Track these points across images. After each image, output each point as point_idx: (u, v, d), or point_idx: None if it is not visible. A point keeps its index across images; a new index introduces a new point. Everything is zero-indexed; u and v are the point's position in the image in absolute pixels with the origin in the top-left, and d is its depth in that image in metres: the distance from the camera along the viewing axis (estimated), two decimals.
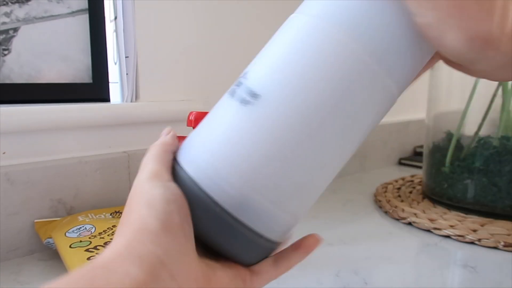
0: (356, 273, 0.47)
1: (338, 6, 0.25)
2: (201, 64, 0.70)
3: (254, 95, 0.25)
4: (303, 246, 0.29)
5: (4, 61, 0.54)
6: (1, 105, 0.51)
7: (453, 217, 0.62)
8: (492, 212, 0.63)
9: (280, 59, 0.25)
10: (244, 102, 0.25)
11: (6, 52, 0.54)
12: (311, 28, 0.25)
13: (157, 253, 0.21)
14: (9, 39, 0.55)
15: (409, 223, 0.62)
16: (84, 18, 0.60)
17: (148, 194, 0.24)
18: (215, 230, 0.25)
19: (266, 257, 0.28)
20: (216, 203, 0.24)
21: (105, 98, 0.63)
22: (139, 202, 0.24)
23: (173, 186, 0.25)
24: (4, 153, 0.51)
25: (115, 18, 0.62)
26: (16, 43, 0.55)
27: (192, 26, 0.68)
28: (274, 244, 0.27)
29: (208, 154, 0.25)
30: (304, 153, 0.25)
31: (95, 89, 0.62)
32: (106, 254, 0.21)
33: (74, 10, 0.59)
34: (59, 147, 0.55)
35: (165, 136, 0.29)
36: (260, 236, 0.25)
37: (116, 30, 0.62)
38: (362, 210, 0.70)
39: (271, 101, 0.25)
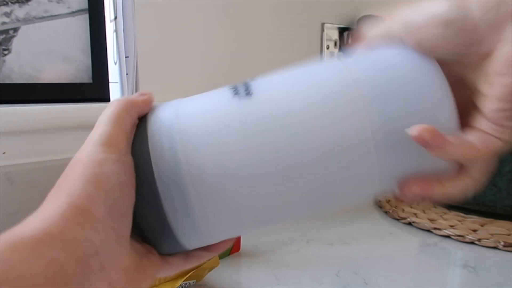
0: (356, 273, 0.47)
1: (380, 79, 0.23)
2: (201, 64, 0.70)
3: (248, 92, 0.24)
4: (214, 248, 0.27)
5: (4, 61, 0.54)
6: (1, 105, 0.51)
7: (453, 217, 0.62)
8: (492, 212, 0.63)
9: (294, 85, 0.24)
10: (236, 93, 0.25)
11: (6, 52, 0.54)
12: (343, 87, 0.23)
13: (94, 241, 0.19)
14: (9, 39, 0.54)
15: (409, 223, 0.62)
16: (84, 18, 0.60)
17: (98, 167, 0.21)
18: (142, 207, 0.23)
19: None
20: (158, 197, 0.23)
21: (105, 98, 0.63)
22: (85, 172, 0.21)
23: (128, 162, 0.22)
24: (4, 153, 0.51)
25: (115, 18, 0.62)
26: (16, 43, 0.55)
27: (192, 26, 0.68)
28: (188, 250, 0.26)
29: (179, 135, 0.23)
30: (269, 183, 0.23)
31: (95, 89, 0.62)
32: (34, 227, 0.19)
33: (74, 10, 0.59)
34: (59, 147, 0.55)
35: (136, 96, 0.25)
36: (181, 245, 0.25)
37: (116, 30, 0.62)
38: (362, 210, 0.70)
39: (260, 103, 0.24)
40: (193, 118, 0.24)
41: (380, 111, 0.23)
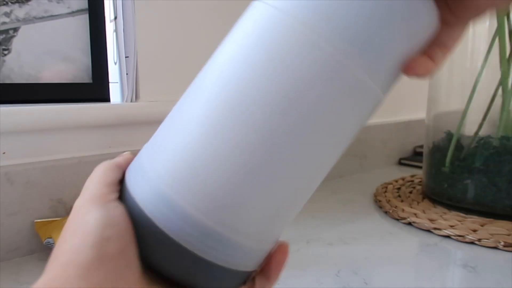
0: (356, 273, 0.47)
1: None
2: (201, 64, 0.70)
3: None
4: (272, 274, 0.25)
5: (4, 61, 0.54)
6: (1, 105, 0.51)
7: (453, 217, 0.62)
8: (492, 212, 0.63)
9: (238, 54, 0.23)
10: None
11: (6, 52, 0.54)
12: (270, 21, 0.22)
13: None
14: (9, 39, 0.55)
15: (409, 223, 0.62)
16: (84, 18, 0.60)
17: (83, 220, 0.21)
18: (168, 263, 0.21)
19: (239, 284, 0.24)
20: (165, 235, 0.21)
21: (105, 98, 0.63)
22: (72, 230, 0.21)
23: (114, 206, 0.22)
24: (4, 153, 0.51)
25: (115, 18, 0.62)
26: (16, 43, 0.55)
27: (192, 26, 0.68)
28: (245, 273, 0.23)
29: (154, 173, 0.22)
30: (273, 169, 0.21)
31: (95, 89, 0.62)
32: None
33: (74, 10, 0.59)
34: (59, 147, 0.55)
35: (118, 158, 0.26)
36: (225, 269, 0.22)
37: (116, 30, 0.62)
38: (362, 210, 0.70)
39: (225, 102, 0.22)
40: (166, 163, 0.22)
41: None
